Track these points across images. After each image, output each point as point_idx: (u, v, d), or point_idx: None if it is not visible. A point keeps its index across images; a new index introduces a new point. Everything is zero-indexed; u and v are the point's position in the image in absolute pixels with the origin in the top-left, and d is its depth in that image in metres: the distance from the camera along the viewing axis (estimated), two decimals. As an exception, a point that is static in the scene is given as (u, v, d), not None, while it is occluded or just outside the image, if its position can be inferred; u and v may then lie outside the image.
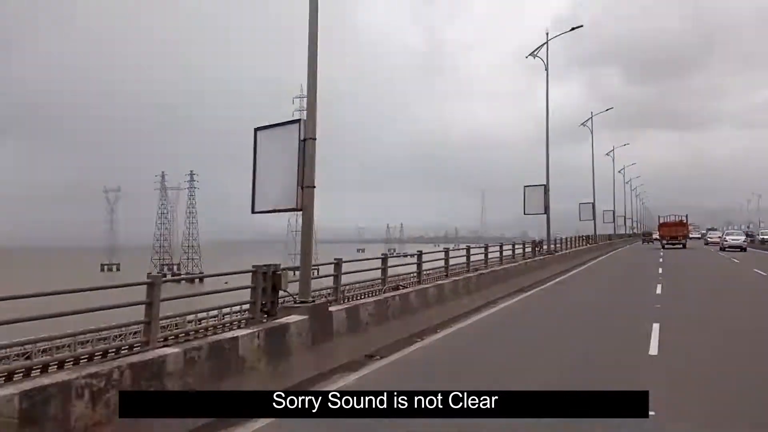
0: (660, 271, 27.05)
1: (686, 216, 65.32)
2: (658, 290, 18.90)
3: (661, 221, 66.31)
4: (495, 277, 18.01)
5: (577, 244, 42.06)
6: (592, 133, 52.79)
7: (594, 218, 51.75)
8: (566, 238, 39.42)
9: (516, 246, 25.32)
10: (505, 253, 24.64)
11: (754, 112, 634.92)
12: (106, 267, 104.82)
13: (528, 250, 28.08)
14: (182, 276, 76.00)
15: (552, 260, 26.94)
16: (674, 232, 61.08)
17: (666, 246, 58.89)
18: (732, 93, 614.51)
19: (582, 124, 51.62)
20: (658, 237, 66.15)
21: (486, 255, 20.95)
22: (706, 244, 71.99)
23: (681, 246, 58.63)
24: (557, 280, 23.35)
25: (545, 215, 29.28)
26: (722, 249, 54.28)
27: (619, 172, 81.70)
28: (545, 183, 29.43)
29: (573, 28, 32.67)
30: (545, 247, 29.00)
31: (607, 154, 72.78)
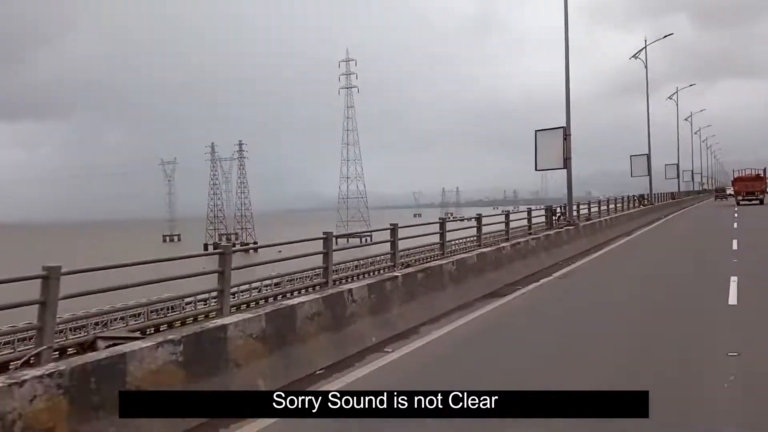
0: (734, 250, 18.25)
1: (764, 169, 57.52)
2: (732, 299, 10.47)
3: (736, 176, 58.94)
4: (436, 280, 10.15)
5: (625, 207, 33.38)
6: (646, 67, 43.74)
7: (650, 173, 42.91)
8: (607, 200, 30.94)
9: (512, 217, 17.08)
10: (495, 228, 16.83)
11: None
12: (168, 238, 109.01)
13: (541, 220, 20.23)
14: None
15: (571, 235, 18.62)
16: (750, 188, 54.72)
17: (741, 202, 52.63)
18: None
19: (633, 56, 42.62)
20: (732, 193, 60.15)
21: (443, 235, 13.07)
22: None
23: (758, 202, 51.78)
24: (563, 271, 14.72)
25: (566, 170, 20.50)
26: None
27: (686, 119, 71.93)
28: (565, 125, 20.58)
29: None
30: (565, 216, 20.80)
31: (669, 98, 63.03)
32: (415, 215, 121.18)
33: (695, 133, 74.10)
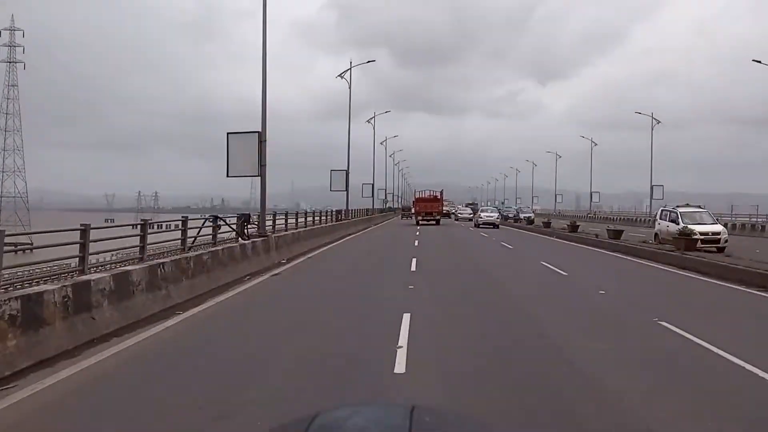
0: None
1: (441, 192, 62.17)
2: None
3: (417, 196, 63.03)
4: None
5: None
6: (350, 87, 46.16)
7: (348, 188, 44.49)
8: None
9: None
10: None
11: (498, 103, 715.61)
12: None
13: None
14: None
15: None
16: (429, 208, 58.33)
17: (421, 222, 55.76)
18: (481, 85, 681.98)
19: (339, 75, 45.87)
20: (414, 213, 63.18)
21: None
22: (456, 219, 71.84)
23: (435, 222, 55.76)
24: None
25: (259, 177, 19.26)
26: (476, 225, 52.90)
27: (381, 143, 77.24)
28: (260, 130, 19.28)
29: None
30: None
31: (368, 121, 67.17)
32: (106, 220, 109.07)
33: (381, 143, 78.89)
